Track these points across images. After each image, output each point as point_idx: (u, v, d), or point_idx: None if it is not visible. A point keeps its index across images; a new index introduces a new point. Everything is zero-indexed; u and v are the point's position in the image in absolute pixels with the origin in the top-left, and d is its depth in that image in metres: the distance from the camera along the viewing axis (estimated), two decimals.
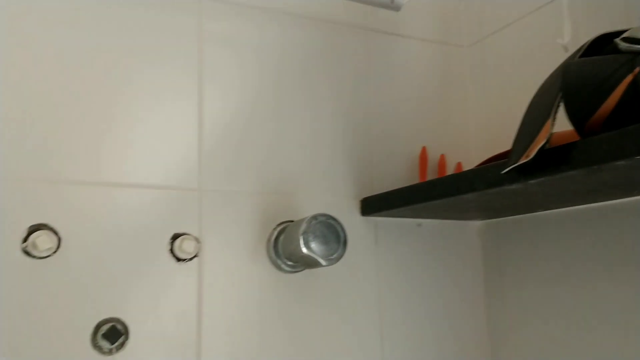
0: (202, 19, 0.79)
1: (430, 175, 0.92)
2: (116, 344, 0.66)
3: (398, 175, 0.90)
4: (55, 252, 0.65)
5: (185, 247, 0.71)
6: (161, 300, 0.70)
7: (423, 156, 0.91)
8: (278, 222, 0.78)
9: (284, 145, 0.82)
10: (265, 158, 0.80)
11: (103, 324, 0.66)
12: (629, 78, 0.44)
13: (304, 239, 0.67)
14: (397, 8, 0.86)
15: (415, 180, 0.91)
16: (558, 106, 0.49)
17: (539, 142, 0.48)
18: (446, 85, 0.97)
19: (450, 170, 0.94)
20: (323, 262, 0.68)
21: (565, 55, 0.62)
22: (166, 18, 0.77)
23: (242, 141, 0.79)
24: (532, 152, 0.49)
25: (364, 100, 0.89)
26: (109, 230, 0.69)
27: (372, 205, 0.83)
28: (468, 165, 0.95)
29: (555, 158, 0.50)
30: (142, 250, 0.70)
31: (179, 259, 0.72)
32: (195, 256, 0.73)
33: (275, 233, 0.76)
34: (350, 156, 0.87)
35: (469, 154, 0.97)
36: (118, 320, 0.67)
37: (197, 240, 0.73)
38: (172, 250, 0.71)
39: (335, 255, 0.69)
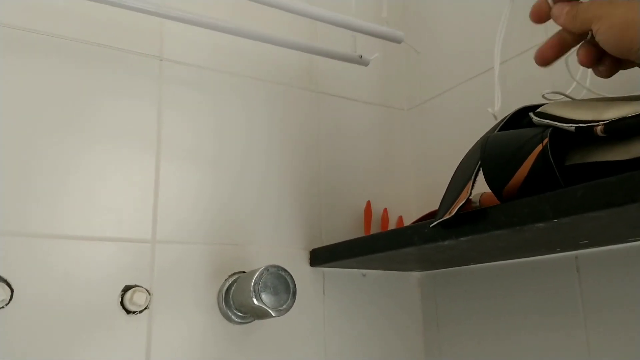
0: (161, 75, 0.83)
1: (375, 227, 0.97)
2: None
3: (345, 227, 0.95)
4: (7, 303, 0.65)
5: (135, 299, 0.72)
6: (109, 353, 0.70)
7: (368, 210, 0.96)
8: (230, 273, 0.81)
9: (237, 199, 0.85)
10: (218, 210, 0.83)
11: None
12: (538, 148, 0.50)
13: (254, 291, 0.70)
14: (365, 63, 0.93)
15: (360, 231, 0.96)
16: (477, 172, 0.55)
17: (460, 202, 0.55)
18: (389, 144, 1.04)
19: (392, 222, 1.00)
20: (273, 313, 0.71)
21: (494, 122, 0.70)
22: (126, 72, 0.80)
23: (197, 194, 0.82)
24: (454, 210, 0.55)
25: (314, 157, 0.95)
26: (61, 282, 0.70)
27: (320, 256, 0.87)
28: (409, 218, 1.02)
29: (482, 218, 0.56)
30: (93, 302, 0.71)
31: (129, 312, 0.73)
32: (145, 308, 0.74)
33: (227, 284, 0.79)
34: (301, 209, 0.91)
35: (410, 208, 1.03)
36: None
37: (148, 292, 0.74)
38: (122, 303, 0.72)
39: (285, 306, 0.72)
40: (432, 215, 0.73)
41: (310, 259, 0.89)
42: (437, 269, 0.95)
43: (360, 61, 0.93)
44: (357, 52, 0.93)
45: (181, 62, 0.85)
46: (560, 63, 0.78)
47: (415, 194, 1.04)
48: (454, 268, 0.92)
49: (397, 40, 0.92)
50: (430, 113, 1.03)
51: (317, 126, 0.97)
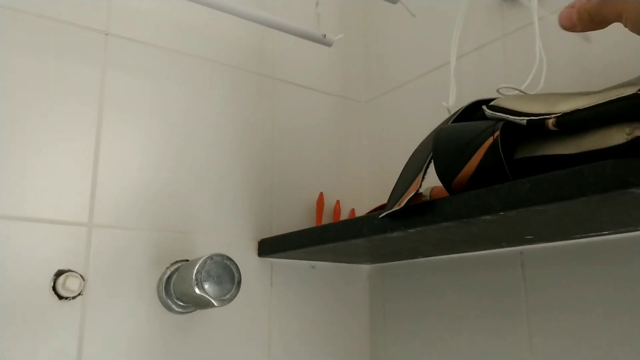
0: (106, 50, 0.79)
1: (327, 219, 0.96)
2: None
3: (297, 218, 0.93)
4: None
5: (69, 284, 0.68)
6: (40, 339, 0.66)
7: (320, 201, 0.95)
8: (172, 261, 0.77)
9: (184, 185, 0.82)
10: (162, 196, 0.79)
11: None
12: (489, 141, 0.50)
13: (197, 279, 0.67)
14: (328, 43, 0.91)
15: (312, 222, 0.95)
16: (428, 165, 0.54)
17: (409, 194, 0.54)
18: (344, 136, 1.03)
19: (345, 215, 0.99)
20: (215, 303, 0.68)
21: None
22: (70, 48, 0.76)
23: (139, 178, 0.78)
24: (403, 202, 0.54)
25: (268, 146, 0.92)
26: None
27: (268, 247, 0.85)
28: (361, 211, 1.01)
29: (430, 210, 0.56)
30: (23, 286, 0.66)
31: (61, 297, 0.68)
32: (79, 294, 0.70)
33: (168, 272, 0.76)
34: (252, 199, 0.88)
35: (363, 201, 1.02)
36: None
37: (82, 277, 0.70)
38: (54, 288, 0.68)
39: (228, 296, 0.69)
40: (383, 207, 0.72)
41: (259, 249, 0.87)
42: (386, 261, 0.95)
43: (324, 41, 0.90)
44: (320, 31, 0.90)
45: (128, 37, 0.81)
46: (516, 58, 0.79)
47: (368, 187, 1.03)
48: (402, 261, 0.92)
49: (393, 1, 0.89)
50: (387, 106, 1.02)
51: (271, 113, 0.94)
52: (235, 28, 0.92)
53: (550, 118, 0.45)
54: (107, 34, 0.79)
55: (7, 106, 0.70)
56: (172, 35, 0.85)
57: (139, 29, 0.82)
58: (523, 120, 0.49)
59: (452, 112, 0.61)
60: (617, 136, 0.41)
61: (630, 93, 0.40)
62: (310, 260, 0.91)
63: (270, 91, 0.95)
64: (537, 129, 0.48)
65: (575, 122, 0.44)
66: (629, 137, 0.40)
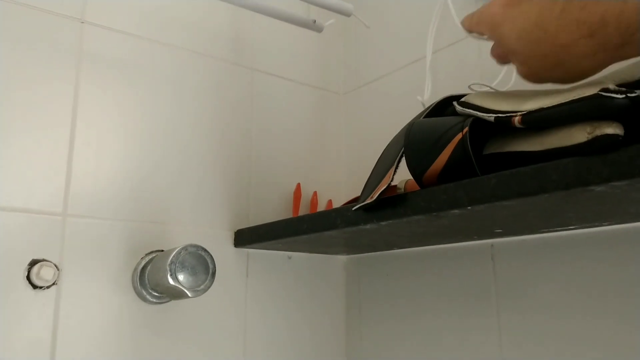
0: (82, 39, 0.78)
1: (304, 210, 0.97)
2: None
3: (274, 209, 0.94)
4: None
5: (43, 274, 0.68)
6: (13, 328, 0.66)
7: (297, 192, 0.95)
8: (146, 251, 0.78)
9: (159, 175, 0.82)
10: (137, 186, 0.79)
11: None
12: (458, 137, 0.51)
13: (171, 270, 0.68)
14: (319, 29, 0.90)
15: (289, 214, 0.95)
16: (400, 159, 0.55)
17: (381, 187, 0.55)
18: (322, 127, 1.04)
19: (322, 206, 1.00)
20: (189, 294, 0.69)
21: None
22: (45, 36, 0.75)
23: (114, 167, 0.78)
24: (375, 195, 0.55)
25: (245, 136, 0.93)
26: None
27: (245, 237, 0.85)
28: (338, 202, 1.01)
29: (402, 203, 0.57)
30: None
31: (35, 286, 0.68)
32: (53, 284, 0.70)
33: (143, 262, 0.76)
34: (228, 190, 0.89)
35: (340, 192, 1.03)
36: None
37: (56, 267, 0.70)
38: (28, 277, 0.68)
39: (202, 287, 0.70)
40: (357, 200, 0.73)
41: (235, 239, 0.87)
42: (361, 253, 0.96)
43: (314, 27, 0.89)
44: (310, 17, 0.89)
45: (104, 26, 0.80)
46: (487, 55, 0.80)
47: (346, 178, 1.04)
48: (377, 252, 0.93)
49: (347, 13, 0.89)
50: (365, 98, 1.03)
51: (249, 104, 0.94)
52: (214, 17, 0.92)
53: (516, 116, 0.47)
54: (82, 22, 0.78)
55: None
56: (149, 24, 0.85)
57: (115, 17, 0.81)
58: (491, 117, 0.50)
59: (426, 107, 0.62)
60: (578, 135, 0.42)
61: (591, 93, 0.41)
62: (287, 250, 0.92)
63: (249, 82, 0.95)
64: (504, 126, 0.49)
65: (540, 121, 0.45)
66: (590, 136, 0.41)
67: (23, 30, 0.73)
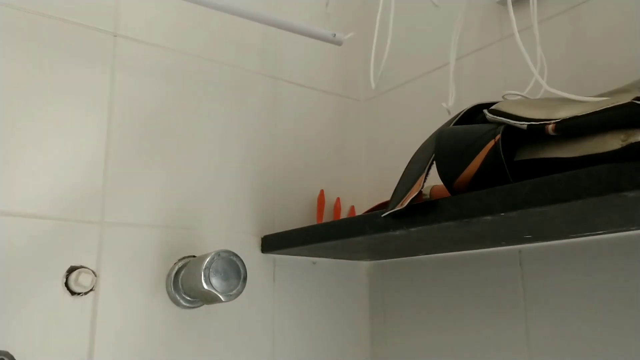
0: (114, 55, 0.80)
1: (327, 216, 0.98)
2: None
3: (298, 215, 0.95)
4: None
5: (81, 280, 0.70)
6: (52, 334, 0.68)
7: (321, 199, 0.97)
8: (179, 257, 0.79)
9: (190, 182, 0.84)
10: (170, 193, 0.81)
11: None
12: (490, 144, 0.52)
13: (205, 275, 0.69)
14: (339, 42, 0.92)
15: (313, 219, 0.97)
16: (430, 165, 0.56)
17: (412, 194, 0.56)
18: (344, 134, 1.05)
19: (344, 212, 1.01)
20: (222, 298, 0.70)
21: (447, 117, 0.72)
22: (79, 45, 0.77)
23: (148, 176, 0.80)
24: (406, 202, 0.56)
25: (270, 144, 0.94)
26: (3, 258, 0.66)
27: (272, 243, 0.87)
28: (360, 208, 1.03)
29: (433, 209, 0.58)
30: (35, 282, 0.68)
31: (73, 293, 0.70)
32: (91, 290, 0.72)
33: (176, 268, 0.78)
34: (255, 195, 0.90)
35: (362, 199, 1.04)
36: (6, 354, 0.64)
37: (94, 273, 0.72)
38: (67, 284, 0.70)
39: (234, 292, 0.72)
40: (383, 206, 0.74)
41: (262, 245, 0.89)
42: (385, 258, 0.97)
43: (334, 40, 0.91)
44: (329, 30, 0.91)
45: (137, 39, 0.82)
46: (517, 61, 0.81)
47: (368, 185, 1.06)
48: (402, 258, 0.94)
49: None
50: (386, 105, 1.04)
51: (273, 113, 0.96)
52: (238, 29, 0.94)
53: (550, 124, 0.48)
54: (115, 36, 0.81)
55: (15, 102, 0.71)
56: (178, 37, 0.87)
57: (146, 30, 0.84)
58: (523, 124, 0.51)
59: (453, 114, 0.64)
60: (612, 142, 0.43)
61: (626, 101, 0.42)
62: (311, 256, 0.93)
63: (272, 91, 0.97)
64: (537, 133, 0.50)
65: (574, 128, 0.46)
66: (624, 143, 0.42)
67: (60, 46, 0.76)
